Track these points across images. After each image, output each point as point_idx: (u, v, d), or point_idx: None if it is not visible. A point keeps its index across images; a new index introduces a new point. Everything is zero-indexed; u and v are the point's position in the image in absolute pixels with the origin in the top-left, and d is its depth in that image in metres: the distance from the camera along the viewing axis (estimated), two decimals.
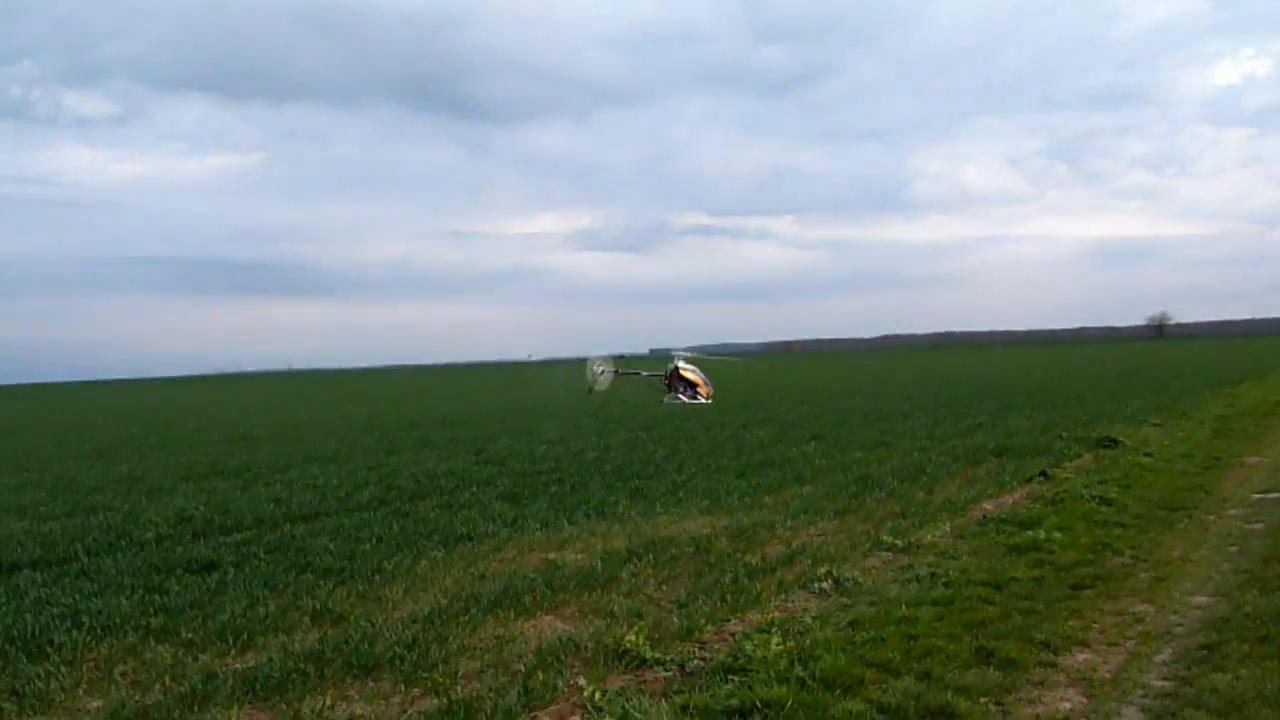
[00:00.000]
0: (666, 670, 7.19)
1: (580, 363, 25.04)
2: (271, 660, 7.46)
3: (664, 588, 9.50)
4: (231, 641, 8.04)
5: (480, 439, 25.94)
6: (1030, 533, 11.16)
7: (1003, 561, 10.05)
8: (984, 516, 12.58)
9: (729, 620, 8.32)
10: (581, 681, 6.89)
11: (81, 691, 7.09)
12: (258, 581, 10.04)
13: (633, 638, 7.61)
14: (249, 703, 6.77)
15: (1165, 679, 6.88)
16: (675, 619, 8.30)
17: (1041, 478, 15.46)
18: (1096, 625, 8.06)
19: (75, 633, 8.25)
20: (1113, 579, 9.38)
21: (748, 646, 7.37)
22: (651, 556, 10.55)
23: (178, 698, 6.78)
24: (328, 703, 6.69)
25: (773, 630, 7.82)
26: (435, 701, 6.66)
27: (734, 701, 6.44)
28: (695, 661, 7.34)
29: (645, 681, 7.02)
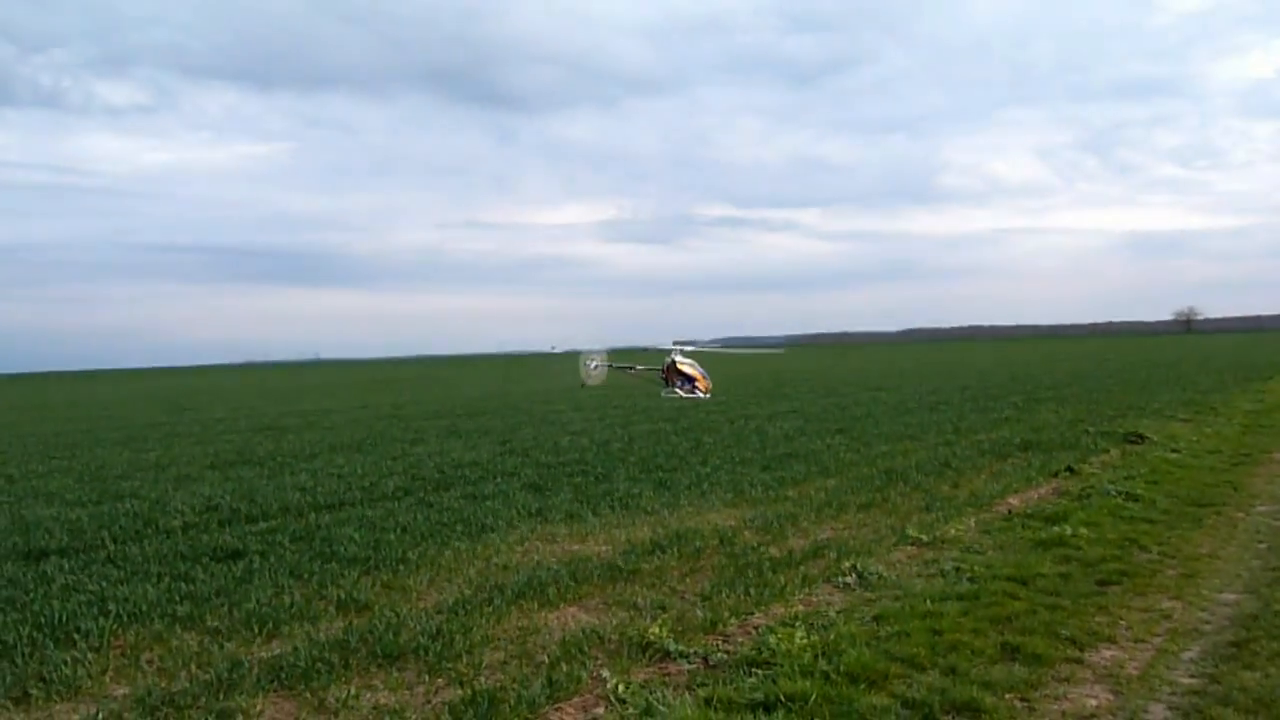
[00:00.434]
0: (690, 663, 7.19)
1: (593, 354, 24.99)
2: (297, 649, 7.51)
3: (688, 580, 9.49)
4: (257, 629, 8.10)
5: (506, 429, 26.01)
6: (1056, 528, 11.08)
7: (1029, 557, 9.98)
8: (1010, 511, 12.49)
9: (753, 613, 8.30)
10: (605, 673, 6.91)
11: (108, 678, 7.16)
12: (283, 570, 10.11)
13: (656, 630, 7.61)
14: (274, 691, 6.81)
15: (1193, 676, 6.81)
16: (699, 611, 8.29)
17: (1068, 473, 15.34)
18: (1123, 622, 7.99)
19: (102, 620, 8.33)
20: (1140, 575, 9.30)
21: (772, 640, 7.36)
22: (675, 549, 10.54)
23: (204, 685, 6.84)
24: (352, 691, 6.73)
25: (797, 624, 7.80)
26: (459, 691, 6.69)
27: (758, 695, 6.43)
28: (719, 654, 7.32)
29: (669, 674, 7.02)
